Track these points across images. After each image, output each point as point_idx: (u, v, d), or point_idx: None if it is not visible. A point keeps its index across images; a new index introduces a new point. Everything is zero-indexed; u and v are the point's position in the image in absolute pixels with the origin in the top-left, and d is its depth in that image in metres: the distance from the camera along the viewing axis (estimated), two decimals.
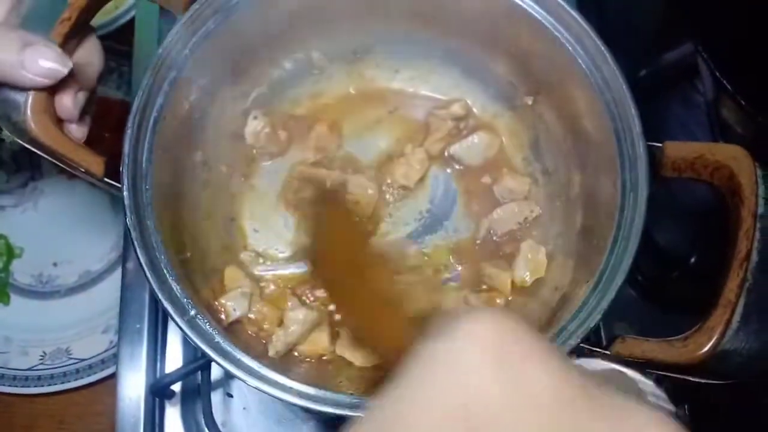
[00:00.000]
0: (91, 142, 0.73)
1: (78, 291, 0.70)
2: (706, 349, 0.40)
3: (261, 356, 0.45)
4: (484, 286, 0.53)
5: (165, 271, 0.40)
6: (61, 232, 0.72)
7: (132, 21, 0.70)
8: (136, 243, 0.39)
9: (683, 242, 0.60)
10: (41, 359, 0.65)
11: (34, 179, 0.75)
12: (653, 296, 0.61)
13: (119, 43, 0.73)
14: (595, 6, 0.69)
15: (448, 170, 0.58)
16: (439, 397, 0.18)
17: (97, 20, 0.75)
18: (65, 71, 0.39)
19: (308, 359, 0.50)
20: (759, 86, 0.50)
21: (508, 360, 0.18)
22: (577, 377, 0.18)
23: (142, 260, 0.39)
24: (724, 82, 0.50)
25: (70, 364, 0.64)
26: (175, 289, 0.40)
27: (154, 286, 0.39)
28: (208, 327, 0.40)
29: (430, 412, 0.18)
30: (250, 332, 0.50)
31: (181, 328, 0.39)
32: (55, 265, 0.71)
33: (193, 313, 0.39)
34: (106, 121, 0.57)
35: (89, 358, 0.64)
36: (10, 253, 0.71)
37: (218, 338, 0.39)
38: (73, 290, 0.70)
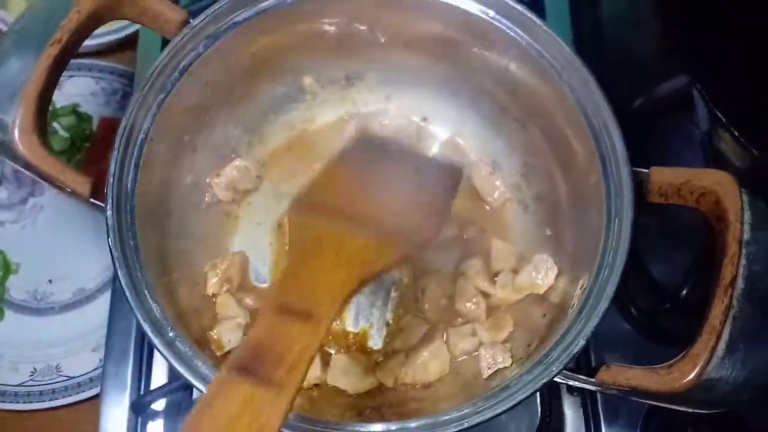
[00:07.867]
0: (93, 162, 0.74)
1: (72, 308, 0.70)
2: (690, 377, 0.39)
3: None
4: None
5: (146, 292, 0.40)
6: (59, 248, 0.72)
7: (132, 40, 0.71)
8: (117, 263, 0.39)
9: (677, 274, 0.59)
10: (31, 375, 0.65)
11: (34, 195, 0.75)
12: (646, 328, 0.60)
13: (123, 64, 0.75)
14: (592, 36, 0.70)
15: None
16: None
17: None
18: None
19: None
20: (753, 119, 0.49)
21: None
22: None
23: (123, 281, 0.39)
24: (718, 113, 0.50)
25: (59, 382, 0.64)
26: (155, 310, 0.40)
27: (133, 306, 0.39)
28: (187, 350, 0.39)
29: None
30: None
31: (159, 350, 0.39)
32: (50, 281, 0.71)
33: (172, 335, 0.39)
34: (111, 142, 0.58)
35: (78, 376, 0.64)
36: (7, 269, 0.71)
37: (197, 361, 0.39)
38: (66, 307, 0.70)
